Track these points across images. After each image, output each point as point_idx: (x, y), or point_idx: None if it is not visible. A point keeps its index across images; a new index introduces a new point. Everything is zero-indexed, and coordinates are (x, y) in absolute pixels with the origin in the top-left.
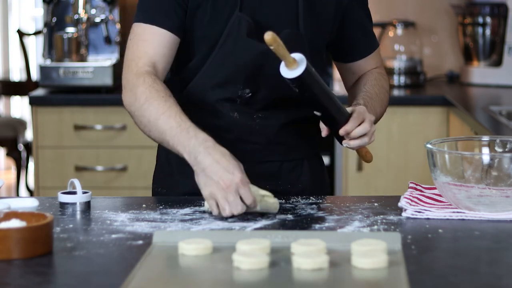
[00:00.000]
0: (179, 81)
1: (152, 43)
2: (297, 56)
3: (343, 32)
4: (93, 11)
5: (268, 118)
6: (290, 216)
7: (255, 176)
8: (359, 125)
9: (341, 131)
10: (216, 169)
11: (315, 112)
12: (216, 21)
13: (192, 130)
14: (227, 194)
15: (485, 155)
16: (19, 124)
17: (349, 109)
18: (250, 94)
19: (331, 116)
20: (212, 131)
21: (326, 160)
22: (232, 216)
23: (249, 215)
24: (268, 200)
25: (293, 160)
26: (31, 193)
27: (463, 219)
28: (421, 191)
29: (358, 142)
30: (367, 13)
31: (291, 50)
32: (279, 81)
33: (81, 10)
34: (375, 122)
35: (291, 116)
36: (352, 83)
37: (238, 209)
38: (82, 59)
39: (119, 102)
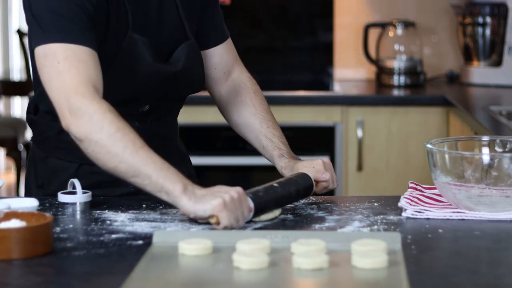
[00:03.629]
0: None
1: (90, 64)
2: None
3: (206, 19)
4: None
5: (162, 120)
6: (290, 216)
7: None
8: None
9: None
10: (217, 189)
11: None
12: (109, 40)
13: (177, 170)
14: (235, 206)
15: (485, 155)
16: (19, 124)
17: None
18: (148, 108)
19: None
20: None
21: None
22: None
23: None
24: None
25: (176, 150)
26: None
27: (463, 219)
28: (421, 191)
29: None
30: (216, 2)
31: (194, 65)
32: (182, 94)
33: None
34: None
35: (174, 113)
36: (221, 84)
37: (244, 220)
38: None
39: None
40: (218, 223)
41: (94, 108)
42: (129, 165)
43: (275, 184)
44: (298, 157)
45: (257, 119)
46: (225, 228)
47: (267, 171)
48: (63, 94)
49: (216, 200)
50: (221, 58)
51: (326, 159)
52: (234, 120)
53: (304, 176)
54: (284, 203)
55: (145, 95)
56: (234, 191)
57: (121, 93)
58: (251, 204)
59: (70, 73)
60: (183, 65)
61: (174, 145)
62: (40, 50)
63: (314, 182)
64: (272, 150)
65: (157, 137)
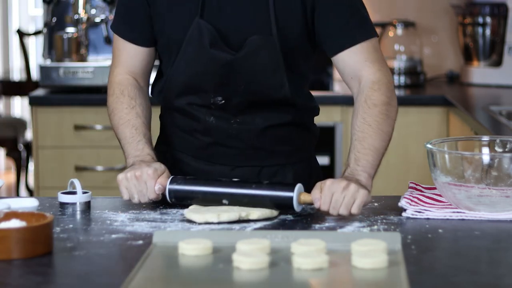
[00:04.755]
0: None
1: (123, 53)
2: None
3: (319, 24)
4: (93, 11)
5: (245, 123)
6: (290, 216)
7: None
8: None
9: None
10: (138, 166)
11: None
12: (176, 28)
13: (141, 144)
14: (134, 183)
15: (485, 155)
16: (19, 124)
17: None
18: (223, 101)
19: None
20: (191, 133)
21: (325, 160)
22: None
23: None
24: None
25: (273, 165)
26: (31, 193)
27: (463, 219)
28: (421, 191)
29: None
30: (344, 2)
31: (262, 56)
32: (252, 88)
33: (81, 10)
34: (380, 159)
35: (270, 121)
36: (353, 89)
37: (145, 198)
38: (82, 59)
39: None
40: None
41: (109, 91)
42: (118, 138)
43: (224, 181)
44: (356, 178)
45: (355, 131)
46: (128, 200)
47: None
48: (109, 75)
49: (120, 174)
50: (345, 64)
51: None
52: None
53: (285, 186)
54: (218, 202)
55: (208, 83)
56: (139, 170)
57: (187, 79)
58: (167, 185)
59: (112, 56)
60: (242, 55)
61: (274, 159)
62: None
63: (295, 197)
64: (349, 152)
65: (241, 141)
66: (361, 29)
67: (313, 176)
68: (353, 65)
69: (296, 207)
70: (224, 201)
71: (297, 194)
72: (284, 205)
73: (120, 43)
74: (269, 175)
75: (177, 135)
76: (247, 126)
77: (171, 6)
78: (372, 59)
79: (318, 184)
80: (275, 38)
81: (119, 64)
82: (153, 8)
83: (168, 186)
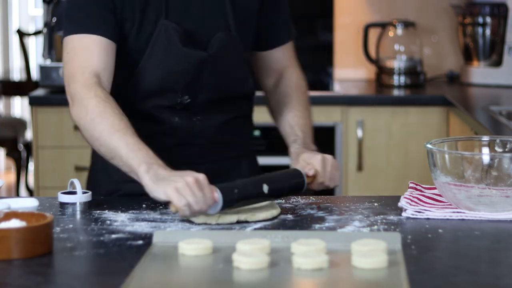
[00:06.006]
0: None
1: (94, 52)
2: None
3: (264, 19)
4: None
5: (206, 119)
6: (290, 216)
7: None
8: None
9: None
10: (177, 173)
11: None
12: (143, 30)
13: (151, 152)
14: (190, 192)
15: (485, 155)
16: (19, 124)
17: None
18: (189, 100)
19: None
20: (152, 137)
21: None
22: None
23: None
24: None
25: (231, 158)
26: (31, 193)
27: (463, 219)
28: (421, 191)
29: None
30: (283, 1)
31: (230, 52)
32: (218, 84)
33: None
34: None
35: (228, 115)
36: (271, 82)
37: (203, 206)
38: None
39: None
40: (177, 211)
41: (89, 95)
42: (107, 147)
43: (256, 180)
44: (315, 148)
45: (288, 109)
46: (184, 215)
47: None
48: (66, 82)
49: (170, 185)
50: (276, 58)
51: (329, 156)
52: (273, 111)
53: (294, 173)
54: (263, 200)
55: (179, 83)
56: (191, 177)
57: (156, 81)
58: (218, 195)
59: (71, 62)
60: (213, 52)
61: (232, 152)
62: (63, 42)
63: (306, 179)
64: (289, 136)
65: (203, 138)
66: (292, 26)
67: (259, 171)
68: (282, 61)
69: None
70: (264, 187)
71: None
72: (296, 189)
73: (91, 41)
74: (227, 170)
75: None
76: (208, 122)
77: (136, 10)
78: (295, 56)
79: (303, 161)
80: (236, 34)
81: (89, 66)
82: (119, 13)
83: (217, 195)
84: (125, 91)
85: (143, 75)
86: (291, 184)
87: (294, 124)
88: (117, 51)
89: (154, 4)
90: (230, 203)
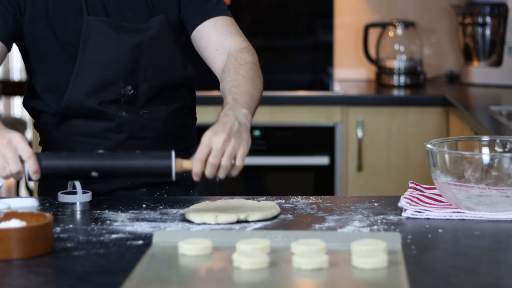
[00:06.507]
0: (49, 96)
1: None
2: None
3: (184, 2)
4: None
5: (153, 112)
6: (290, 216)
7: None
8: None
9: (195, 178)
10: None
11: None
12: (66, 30)
13: None
14: (3, 151)
15: (485, 155)
16: (19, 124)
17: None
18: (132, 90)
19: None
20: (103, 134)
21: (325, 160)
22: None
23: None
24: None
25: (180, 151)
26: (31, 193)
27: (463, 219)
28: (421, 191)
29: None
30: None
31: (165, 37)
32: (157, 70)
33: None
34: (255, 105)
35: (173, 105)
36: (218, 61)
37: (15, 167)
38: None
39: None
40: None
41: None
42: None
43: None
44: (235, 115)
45: (229, 80)
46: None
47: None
48: None
49: None
50: (209, 36)
51: (209, 132)
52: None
53: (159, 156)
54: (86, 176)
55: (118, 73)
56: (4, 138)
57: (96, 74)
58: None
59: None
60: (146, 37)
61: (181, 144)
62: None
63: (174, 166)
64: (224, 98)
65: (152, 131)
66: (219, 5)
67: None
68: (219, 37)
69: (174, 176)
70: (93, 174)
71: (174, 160)
72: (161, 174)
73: None
74: None
75: (81, 143)
76: (155, 114)
77: (54, 9)
78: (237, 32)
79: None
80: (163, 18)
81: None
82: (29, 12)
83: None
84: (70, 90)
85: (82, 71)
86: (150, 167)
87: (229, 87)
88: (41, 54)
89: (73, 3)
90: (49, 170)
